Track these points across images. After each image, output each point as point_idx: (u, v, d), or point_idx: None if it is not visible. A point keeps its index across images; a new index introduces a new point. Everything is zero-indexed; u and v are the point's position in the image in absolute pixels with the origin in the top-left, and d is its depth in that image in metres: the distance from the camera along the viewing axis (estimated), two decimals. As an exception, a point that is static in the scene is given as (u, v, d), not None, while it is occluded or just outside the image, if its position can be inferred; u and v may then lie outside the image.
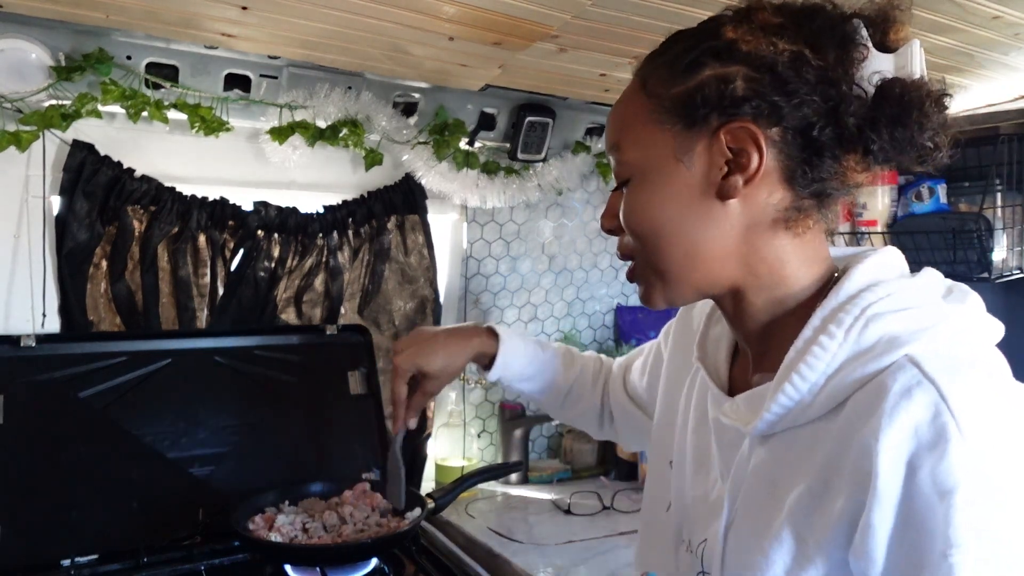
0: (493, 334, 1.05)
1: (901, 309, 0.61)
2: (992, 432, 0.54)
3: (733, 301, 0.70)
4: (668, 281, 0.69)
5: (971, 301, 0.65)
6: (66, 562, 1.21)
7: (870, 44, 0.63)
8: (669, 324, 0.98)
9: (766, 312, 0.68)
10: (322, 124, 1.56)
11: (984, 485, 0.52)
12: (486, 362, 1.05)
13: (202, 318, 1.52)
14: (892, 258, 0.68)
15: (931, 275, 0.67)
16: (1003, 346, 0.63)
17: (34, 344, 1.30)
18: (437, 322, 1.80)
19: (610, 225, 0.73)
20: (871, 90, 0.62)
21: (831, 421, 0.60)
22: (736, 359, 0.78)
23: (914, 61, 0.62)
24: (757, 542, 0.63)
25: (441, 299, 1.82)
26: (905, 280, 0.64)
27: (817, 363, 0.61)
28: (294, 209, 1.59)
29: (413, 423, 1.04)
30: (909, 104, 0.61)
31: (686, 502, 0.77)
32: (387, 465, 1.12)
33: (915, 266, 0.68)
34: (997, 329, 0.64)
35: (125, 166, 1.42)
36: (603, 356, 1.15)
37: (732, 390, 0.74)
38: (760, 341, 0.70)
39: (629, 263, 0.74)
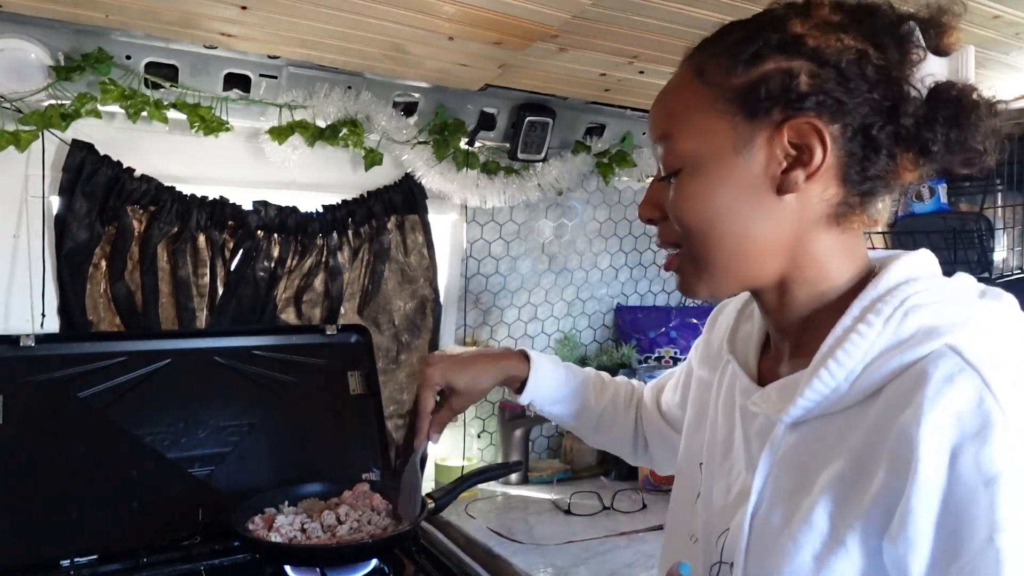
0: (525, 357, 1.05)
1: (939, 301, 0.61)
2: None
3: (777, 294, 0.70)
4: (714, 273, 0.68)
5: (1007, 300, 0.65)
6: (66, 562, 1.21)
7: (924, 46, 0.64)
8: (698, 341, 0.97)
9: (807, 306, 0.69)
10: (322, 124, 1.56)
11: None
12: (517, 385, 1.05)
13: (202, 318, 1.52)
14: (928, 258, 0.69)
15: (966, 277, 0.68)
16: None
17: (34, 344, 1.30)
18: (437, 322, 1.80)
19: (651, 215, 0.72)
20: (925, 92, 0.63)
21: (866, 408, 0.61)
22: (765, 353, 0.78)
23: (968, 66, 0.63)
24: (786, 527, 0.63)
25: (441, 299, 1.82)
26: (941, 279, 0.66)
27: (855, 350, 0.61)
28: (294, 209, 1.59)
29: (437, 438, 1.04)
30: (965, 107, 0.62)
31: (710, 496, 0.76)
32: (404, 476, 1.11)
33: None
34: None
35: (125, 166, 1.42)
36: (635, 381, 1.15)
37: (762, 382, 0.74)
38: (797, 334, 0.70)
39: (667, 253, 0.73)
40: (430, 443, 1.05)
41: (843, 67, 0.62)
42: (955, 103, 0.62)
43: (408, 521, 1.17)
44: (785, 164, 0.64)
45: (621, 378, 1.15)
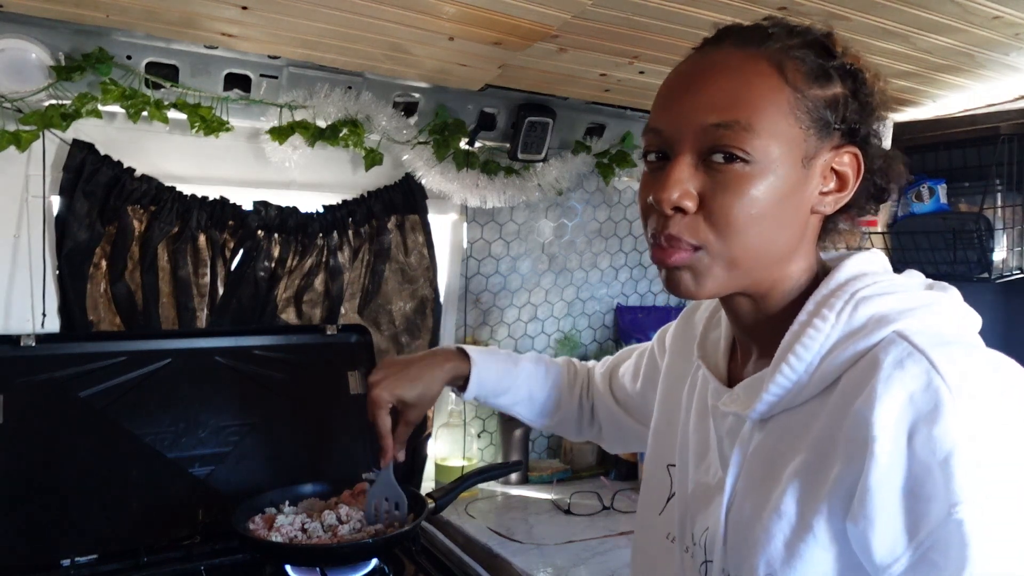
0: (464, 355, 1.07)
1: (888, 293, 0.65)
2: (982, 395, 0.57)
3: (759, 299, 0.71)
4: (733, 273, 0.67)
5: (952, 292, 0.69)
6: (66, 562, 1.21)
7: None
8: (663, 332, 0.99)
9: (777, 309, 0.71)
10: (322, 124, 1.56)
11: (981, 444, 0.55)
12: (461, 383, 1.07)
13: (202, 318, 1.52)
14: (877, 256, 0.72)
15: (914, 273, 0.72)
16: (1003, 346, 0.64)
17: (34, 344, 1.30)
18: (437, 322, 1.80)
19: (686, 203, 0.65)
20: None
21: (826, 398, 0.64)
22: (733, 358, 0.80)
23: (887, 137, 0.73)
24: (757, 518, 0.66)
25: (441, 299, 1.82)
26: (890, 273, 0.70)
27: (812, 343, 0.64)
28: (294, 209, 1.59)
29: (402, 455, 1.07)
30: (898, 160, 0.71)
31: (688, 497, 0.78)
32: (374, 491, 1.14)
33: (915, 266, 0.73)
34: (975, 319, 0.68)
35: (125, 166, 1.42)
36: (576, 360, 1.18)
37: (731, 385, 0.76)
38: (764, 336, 0.73)
39: (667, 247, 0.67)
40: (398, 460, 1.07)
41: (872, 105, 0.67)
42: (888, 158, 0.70)
43: (377, 527, 1.17)
44: (825, 188, 0.67)
45: (563, 358, 1.18)
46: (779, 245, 0.67)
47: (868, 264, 0.70)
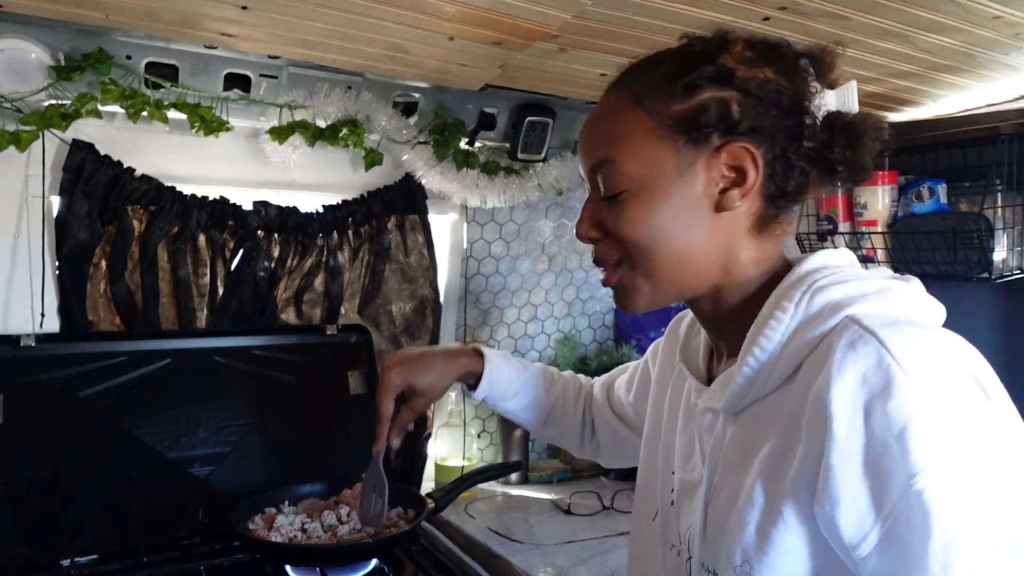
0: (479, 354, 1.07)
1: (843, 281, 0.68)
2: (931, 368, 0.59)
3: (711, 300, 0.75)
4: (656, 285, 0.73)
5: (914, 282, 0.71)
6: (66, 562, 1.21)
7: (817, 80, 0.72)
8: (655, 344, 1.02)
9: (736, 308, 0.75)
10: (322, 124, 1.56)
11: (934, 415, 0.57)
12: (472, 381, 1.08)
13: (202, 318, 1.52)
14: (843, 252, 0.75)
15: (881, 268, 0.75)
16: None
17: (34, 344, 1.30)
18: (437, 322, 1.80)
19: (592, 234, 0.76)
20: (820, 120, 0.72)
21: (790, 385, 0.66)
22: (711, 361, 0.83)
23: (852, 98, 0.73)
24: (732, 508, 0.68)
25: (441, 299, 1.82)
26: (853, 267, 0.73)
27: (773, 334, 0.67)
28: (294, 209, 1.59)
29: (397, 442, 1.05)
30: (856, 132, 0.71)
31: (674, 497, 0.80)
32: (366, 480, 1.08)
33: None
34: (937, 308, 0.70)
35: (125, 166, 1.42)
36: (582, 376, 1.19)
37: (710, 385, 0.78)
38: (731, 334, 0.76)
39: (601, 270, 0.77)
40: (392, 447, 1.04)
41: (766, 97, 0.69)
42: (847, 129, 0.71)
43: (375, 525, 1.13)
44: (723, 185, 0.71)
45: (568, 372, 1.19)
46: (695, 249, 0.72)
47: (831, 259, 0.73)
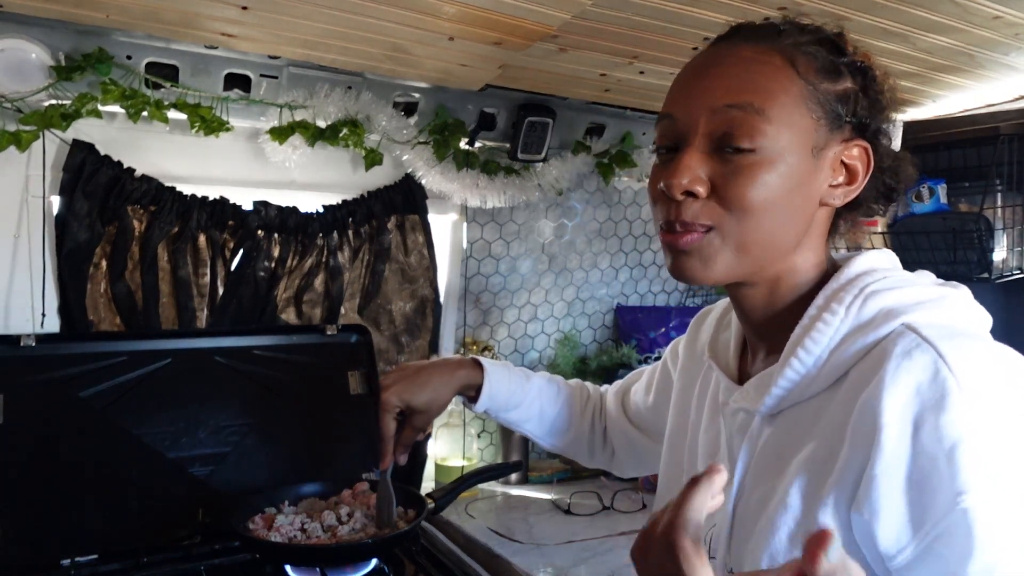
0: (478, 365, 1.05)
1: (897, 287, 0.66)
2: (989, 386, 0.57)
3: (767, 292, 0.72)
4: (741, 260, 0.67)
5: (963, 290, 0.69)
6: (66, 562, 1.21)
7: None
8: (675, 344, 0.99)
9: (786, 304, 0.72)
10: (322, 124, 1.56)
11: (987, 435, 0.55)
12: (472, 394, 1.06)
13: (202, 318, 1.52)
14: (888, 254, 0.73)
15: (925, 272, 0.72)
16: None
17: (34, 344, 1.30)
18: (437, 322, 1.80)
19: (697, 188, 0.66)
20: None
21: (835, 391, 0.64)
22: (743, 357, 0.80)
23: (898, 136, 0.72)
24: (763, 511, 0.65)
25: (441, 299, 1.82)
26: (900, 270, 0.71)
27: (821, 337, 0.65)
28: (294, 209, 1.59)
29: (403, 459, 1.05)
30: (905, 164, 0.73)
31: None
32: (378, 495, 1.14)
33: (915, 266, 0.73)
34: (985, 317, 0.68)
35: (125, 166, 1.42)
36: (589, 384, 1.17)
37: (741, 383, 0.76)
38: (773, 332, 0.73)
39: (689, 230, 0.67)
40: (399, 464, 1.06)
41: (885, 107, 0.69)
42: (900, 160, 0.71)
43: (387, 526, 1.17)
44: (836, 180, 0.68)
45: (575, 381, 1.16)
46: (788, 233, 0.68)
47: (878, 261, 0.71)
